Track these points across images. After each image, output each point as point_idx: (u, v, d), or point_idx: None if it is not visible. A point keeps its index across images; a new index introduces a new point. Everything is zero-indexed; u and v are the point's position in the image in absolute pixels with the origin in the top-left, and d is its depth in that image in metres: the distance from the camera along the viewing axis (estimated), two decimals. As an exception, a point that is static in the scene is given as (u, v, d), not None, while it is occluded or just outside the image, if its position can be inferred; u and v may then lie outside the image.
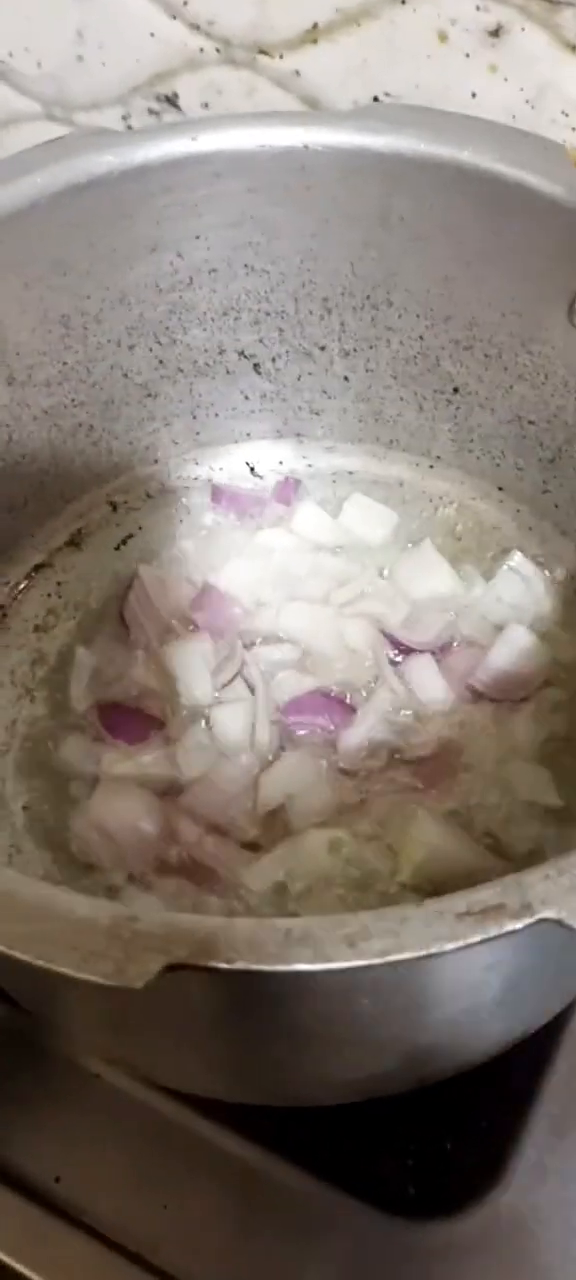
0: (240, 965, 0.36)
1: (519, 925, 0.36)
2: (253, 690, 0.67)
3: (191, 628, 0.70)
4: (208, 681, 0.67)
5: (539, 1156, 0.57)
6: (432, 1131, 0.58)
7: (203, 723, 0.66)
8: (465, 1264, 0.55)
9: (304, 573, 0.73)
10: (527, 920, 0.36)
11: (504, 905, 0.36)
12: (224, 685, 0.68)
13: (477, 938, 0.36)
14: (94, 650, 0.70)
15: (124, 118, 0.81)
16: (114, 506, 0.77)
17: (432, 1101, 0.56)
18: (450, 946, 0.36)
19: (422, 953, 0.36)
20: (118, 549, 0.76)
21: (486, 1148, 0.57)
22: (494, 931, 0.36)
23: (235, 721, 0.66)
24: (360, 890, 0.59)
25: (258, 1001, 0.41)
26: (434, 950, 0.36)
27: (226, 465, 0.79)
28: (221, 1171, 0.57)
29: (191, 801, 0.62)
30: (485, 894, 0.37)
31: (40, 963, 0.37)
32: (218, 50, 0.74)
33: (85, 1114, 0.59)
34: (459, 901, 0.37)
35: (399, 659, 0.68)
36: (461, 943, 0.36)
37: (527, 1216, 0.56)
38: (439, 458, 0.76)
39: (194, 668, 0.68)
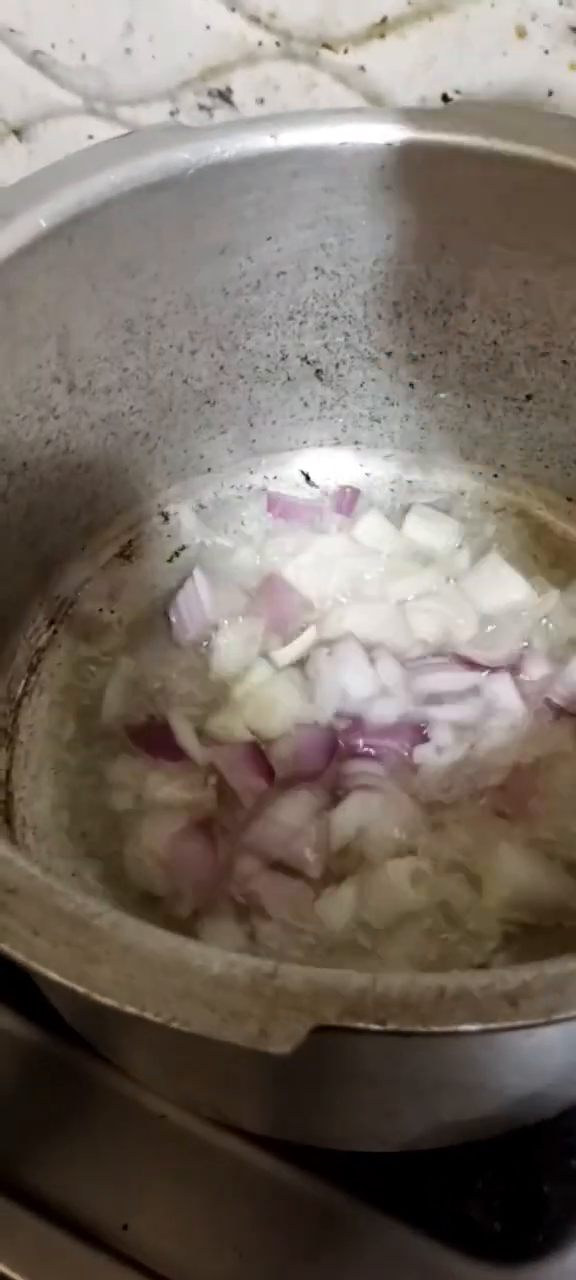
0: (393, 1027, 0.34)
1: None
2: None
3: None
4: (246, 650, 0.66)
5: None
6: (521, 1171, 0.56)
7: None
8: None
9: (370, 577, 0.70)
10: None
11: None
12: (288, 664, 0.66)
13: None
14: (139, 661, 0.68)
15: (172, 113, 0.79)
16: (166, 517, 0.74)
17: (520, 1140, 0.54)
18: (619, 1004, 0.34)
19: (591, 1011, 0.34)
20: (170, 560, 0.73)
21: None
22: None
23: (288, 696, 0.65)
24: (447, 924, 0.57)
25: (397, 1059, 0.38)
26: (603, 1008, 0.34)
27: (281, 474, 0.77)
28: (298, 1215, 0.55)
29: (252, 840, 0.59)
30: None
31: (177, 1025, 0.34)
32: (277, 44, 0.72)
33: (153, 1157, 0.56)
34: (622, 953, 0.35)
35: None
36: (631, 999, 0.34)
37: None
38: (504, 466, 0.74)
39: (235, 643, 0.66)
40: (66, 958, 0.35)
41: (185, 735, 0.63)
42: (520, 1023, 0.34)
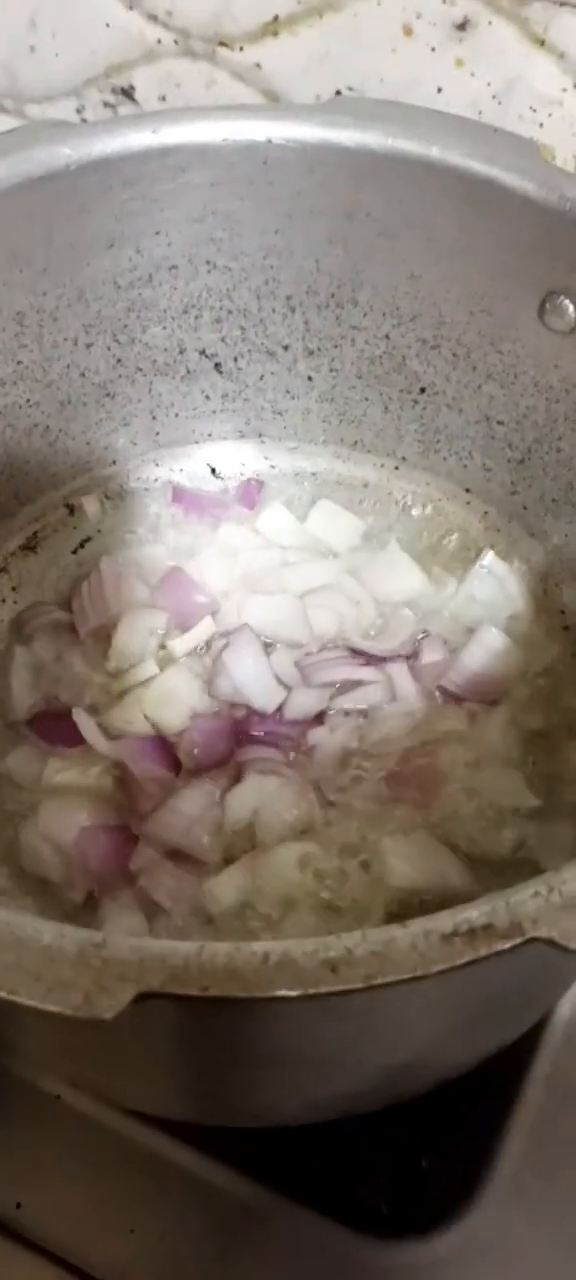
0: (215, 993, 0.35)
1: (508, 945, 0.35)
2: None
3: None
4: (146, 642, 0.67)
5: (514, 1172, 0.56)
6: (407, 1149, 0.57)
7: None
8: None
9: (270, 569, 0.71)
10: (517, 940, 0.34)
11: (492, 925, 0.35)
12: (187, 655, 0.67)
13: (466, 959, 0.34)
14: (41, 651, 0.68)
15: (78, 110, 0.79)
16: (71, 509, 0.75)
17: (407, 1117, 0.55)
18: (437, 969, 0.35)
19: (408, 976, 0.35)
20: (75, 552, 0.74)
21: (461, 1165, 0.56)
22: (483, 952, 0.34)
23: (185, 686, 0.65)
24: (333, 909, 0.57)
25: (234, 1027, 0.39)
26: (419, 974, 0.34)
27: (187, 467, 0.77)
28: (190, 1194, 0.55)
29: (153, 828, 0.60)
30: (472, 913, 0.35)
31: (3, 994, 0.35)
32: (176, 42, 0.73)
33: (47, 1137, 0.57)
34: (444, 921, 0.36)
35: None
36: (448, 965, 0.35)
37: (501, 1236, 0.54)
38: (404, 459, 0.75)
39: (137, 633, 0.67)
40: None
41: (86, 725, 0.64)
42: (339, 988, 0.34)
